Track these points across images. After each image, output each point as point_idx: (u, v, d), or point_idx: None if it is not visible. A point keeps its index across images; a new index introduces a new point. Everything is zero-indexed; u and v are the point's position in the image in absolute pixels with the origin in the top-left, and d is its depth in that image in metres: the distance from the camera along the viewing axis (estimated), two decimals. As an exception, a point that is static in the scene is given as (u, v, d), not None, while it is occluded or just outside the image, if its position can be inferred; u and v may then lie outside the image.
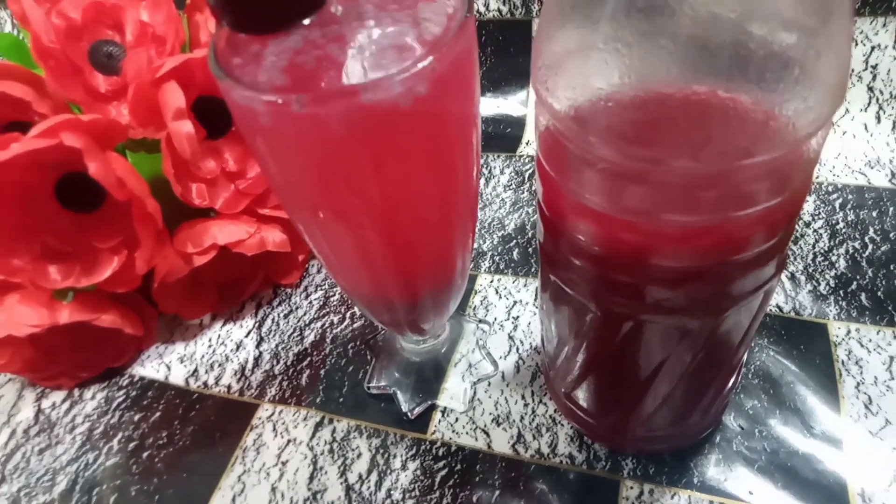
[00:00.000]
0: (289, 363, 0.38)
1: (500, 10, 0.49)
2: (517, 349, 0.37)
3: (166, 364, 0.39)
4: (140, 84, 0.33)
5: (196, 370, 0.39)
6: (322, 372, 0.37)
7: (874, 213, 0.41)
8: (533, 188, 0.47)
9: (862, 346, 0.34)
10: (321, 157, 0.22)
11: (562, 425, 0.33)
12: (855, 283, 0.37)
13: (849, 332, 0.35)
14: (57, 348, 0.38)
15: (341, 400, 0.36)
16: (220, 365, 0.39)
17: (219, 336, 0.40)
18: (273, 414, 0.35)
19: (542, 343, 0.34)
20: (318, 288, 0.42)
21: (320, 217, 0.24)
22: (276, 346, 0.39)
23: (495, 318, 0.38)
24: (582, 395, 0.31)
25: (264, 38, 0.22)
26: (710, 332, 0.24)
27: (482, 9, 0.49)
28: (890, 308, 0.35)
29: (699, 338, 0.25)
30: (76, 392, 0.39)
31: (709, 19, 0.17)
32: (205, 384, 0.38)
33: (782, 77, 0.17)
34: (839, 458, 0.30)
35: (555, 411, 0.33)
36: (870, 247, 0.39)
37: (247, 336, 0.40)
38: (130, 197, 0.33)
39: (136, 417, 0.36)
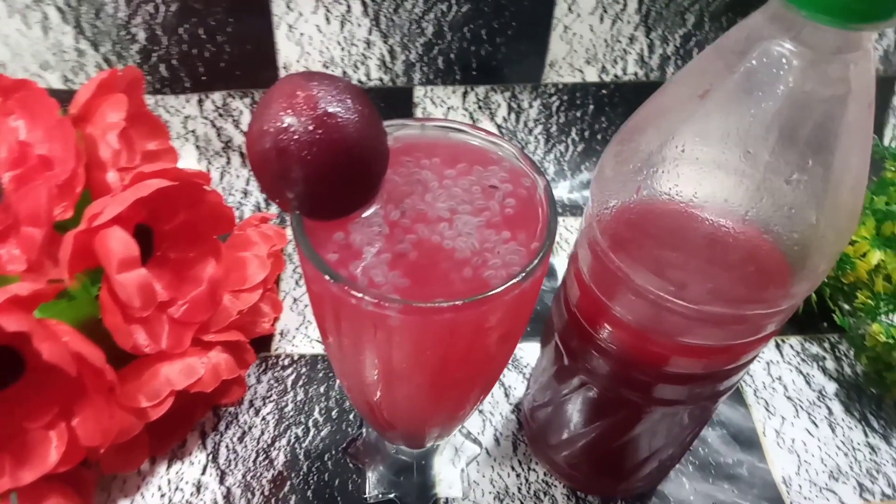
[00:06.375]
0: (267, 493, 0.36)
1: (381, 80, 0.49)
2: (490, 422, 0.39)
3: (117, 532, 0.34)
4: (78, 234, 0.28)
5: (158, 529, 0.34)
6: (310, 493, 0.36)
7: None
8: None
9: (745, 358, 0.43)
10: (429, 343, 0.22)
11: (555, 486, 0.36)
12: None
13: (733, 348, 0.44)
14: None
15: (342, 518, 0.35)
16: (185, 515, 0.35)
17: (169, 481, 0.36)
18: (272, 554, 0.33)
19: (527, 413, 0.37)
20: (266, 401, 0.40)
21: (381, 378, 0.24)
22: (244, 476, 0.36)
23: (459, 395, 0.40)
24: (579, 462, 0.35)
25: (343, 222, 0.22)
26: (704, 411, 0.30)
27: (363, 78, 0.49)
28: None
29: (696, 416, 0.30)
30: None
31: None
32: (176, 542, 0.34)
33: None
34: (762, 456, 0.38)
35: (545, 474, 0.37)
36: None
37: (203, 473, 0.36)
38: (84, 370, 0.28)
39: None
